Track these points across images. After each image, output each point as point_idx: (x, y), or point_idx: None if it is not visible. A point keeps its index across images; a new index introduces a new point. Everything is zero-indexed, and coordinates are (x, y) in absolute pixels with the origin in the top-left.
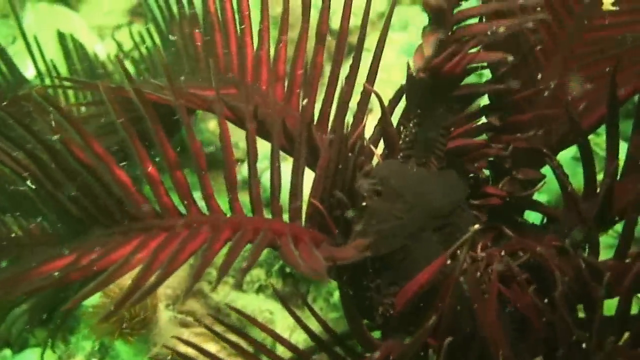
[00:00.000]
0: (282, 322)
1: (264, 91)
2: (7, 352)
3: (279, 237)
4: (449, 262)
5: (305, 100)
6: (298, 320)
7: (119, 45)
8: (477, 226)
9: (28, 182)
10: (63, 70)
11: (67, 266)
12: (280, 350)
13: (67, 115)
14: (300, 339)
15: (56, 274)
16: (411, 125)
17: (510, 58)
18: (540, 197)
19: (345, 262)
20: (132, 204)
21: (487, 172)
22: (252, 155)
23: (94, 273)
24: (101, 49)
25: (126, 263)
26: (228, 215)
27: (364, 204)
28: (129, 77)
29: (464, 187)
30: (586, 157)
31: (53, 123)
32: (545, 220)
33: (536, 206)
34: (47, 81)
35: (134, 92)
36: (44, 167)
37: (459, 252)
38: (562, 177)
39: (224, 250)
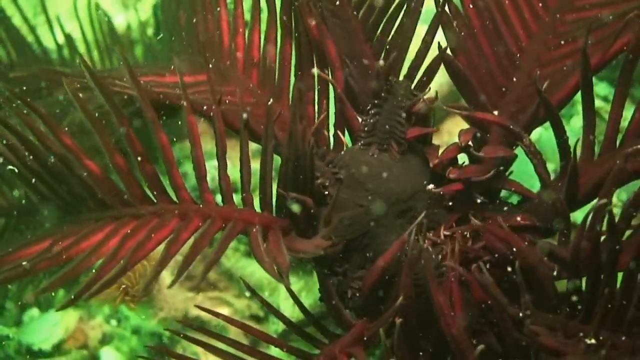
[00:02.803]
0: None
1: (238, 78)
2: (35, 311)
3: (249, 226)
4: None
5: (271, 101)
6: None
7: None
8: (421, 216)
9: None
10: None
11: (39, 254)
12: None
13: (36, 109)
14: (305, 303)
15: (24, 263)
16: (371, 112)
17: None
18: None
19: (304, 255)
20: (103, 192)
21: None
22: (221, 148)
23: (64, 262)
24: (122, 20)
25: (96, 251)
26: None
27: (326, 192)
28: (89, 70)
29: (426, 171)
30: (559, 133)
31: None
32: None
33: (509, 185)
34: (66, 52)
35: (96, 84)
36: (21, 158)
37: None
38: (533, 155)
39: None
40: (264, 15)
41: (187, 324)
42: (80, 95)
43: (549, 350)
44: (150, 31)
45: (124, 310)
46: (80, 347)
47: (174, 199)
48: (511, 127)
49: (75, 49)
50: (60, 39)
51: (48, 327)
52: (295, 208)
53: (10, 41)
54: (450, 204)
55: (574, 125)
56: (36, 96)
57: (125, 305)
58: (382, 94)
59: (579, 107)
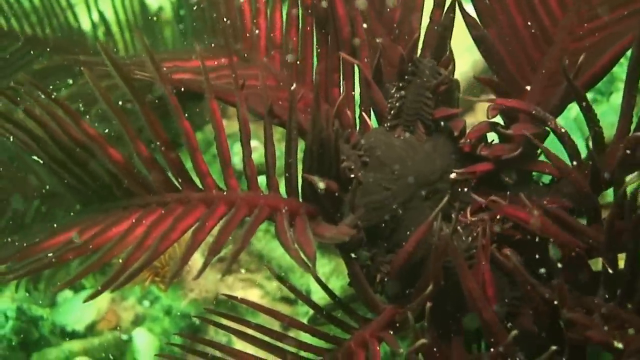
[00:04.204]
0: (318, 271)
1: (261, 61)
2: (69, 292)
3: (275, 212)
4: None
5: (294, 85)
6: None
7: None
8: (445, 199)
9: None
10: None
11: (65, 244)
12: (316, 297)
13: (56, 100)
14: (336, 285)
15: (50, 254)
16: (396, 95)
17: None
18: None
19: (329, 241)
20: (127, 181)
21: None
22: (244, 134)
23: (90, 251)
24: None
25: (122, 240)
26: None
27: (352, 176)
28: (109, 57)
29: (454, 151)
30: (588, 115)
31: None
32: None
33: (539, 165)
34: (100, 32)
35: (116, 71)
36: (45, 146)
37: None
38: (561, 137)
39: None
40: None
41: (216, 312)
42: (103, 82)
43: (594, 342)
44: (182, 12)
45: (155, 291)
46: (113, 328)
47: (199, 185)
48: (534, 112)
49: (109, 29)
50: (95, 18)
51: (81, 308)
52: (322, 186)
53: (47, 17)
54: (480, 185)
55: (614, 102)
56: (70, 74)
57: (155, 286)
58: (407, 75)
59: (619, 84)
